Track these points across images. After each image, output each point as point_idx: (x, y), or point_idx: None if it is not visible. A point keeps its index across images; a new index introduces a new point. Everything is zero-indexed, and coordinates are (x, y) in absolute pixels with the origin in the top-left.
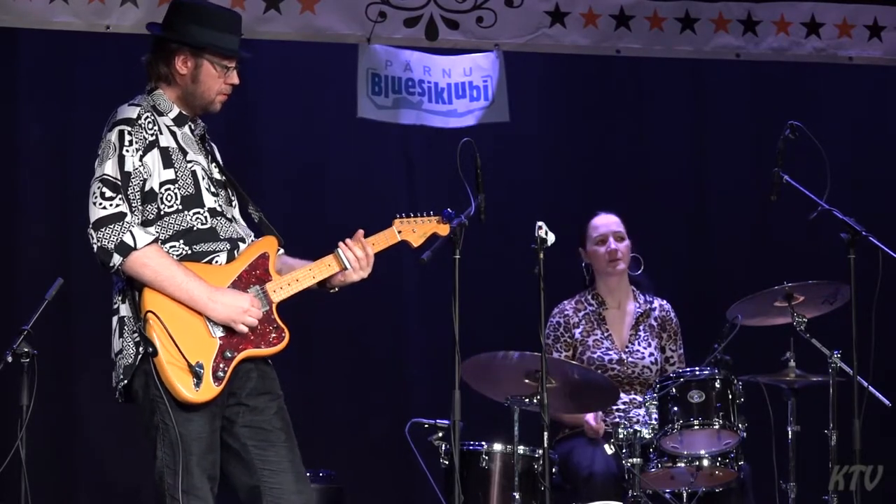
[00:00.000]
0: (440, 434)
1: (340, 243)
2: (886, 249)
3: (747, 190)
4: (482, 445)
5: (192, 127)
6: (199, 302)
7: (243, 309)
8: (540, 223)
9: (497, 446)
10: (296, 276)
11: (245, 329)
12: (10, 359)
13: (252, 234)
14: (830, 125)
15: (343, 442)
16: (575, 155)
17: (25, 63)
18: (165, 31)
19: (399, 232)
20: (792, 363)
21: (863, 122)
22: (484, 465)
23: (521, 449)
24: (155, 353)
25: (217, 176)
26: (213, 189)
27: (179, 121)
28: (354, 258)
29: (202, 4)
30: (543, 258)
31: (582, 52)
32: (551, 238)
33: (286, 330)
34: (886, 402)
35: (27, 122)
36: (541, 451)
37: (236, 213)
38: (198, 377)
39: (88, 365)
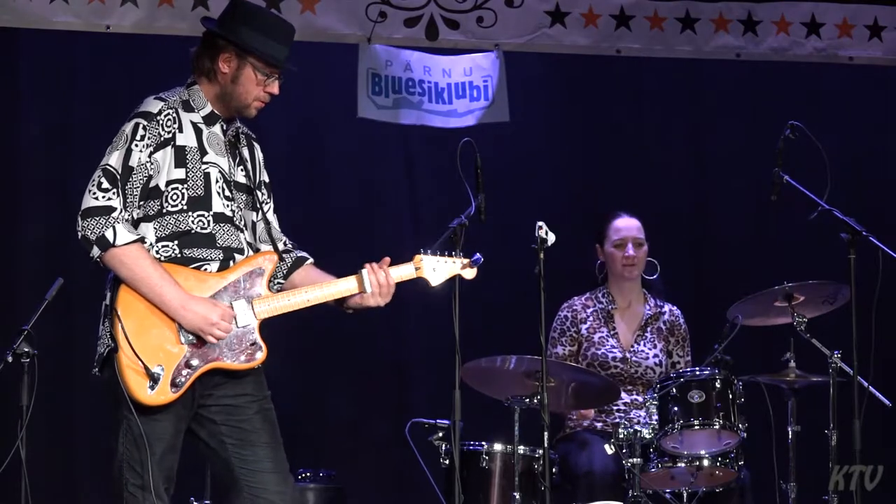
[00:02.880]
0: (440, 434)
1: (367, 265)
2: (886, 249)
3: (747, 190)
4: (482, 445)
5: (224, 127)
6: (171, 307)
7: (211, 321)
8: (540, 223)
9: (497, 446)
10: (287, 296)
11: (213, 340)
12: (10, 359)
13: (281, 240)
14: (830, 125)
15: (343, 442)
16: (575, 155)
17: (25, 63)
18: (218, 27)
19: (417, 269)
20: (792, 363)
21: (863, 122)
22: (484, 465)
23: (521, 449)
24: (115, 349)
25: (241, 180)
26: (227, 193)
27: (210, 119)
28: (377, 282)
29: (258, 9)
30: (543, 258)
31: (582, 52)
32: (551, 238)
33: (264, 348)
34: (886, 402)
35: (27, 121)
36: (541, 451)
37: (262, 218)
38: (154, 380)
39: (88, 365)
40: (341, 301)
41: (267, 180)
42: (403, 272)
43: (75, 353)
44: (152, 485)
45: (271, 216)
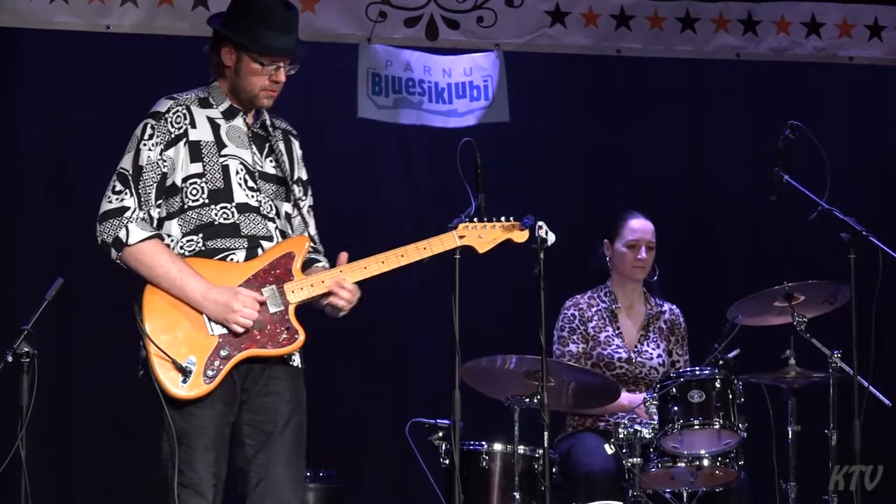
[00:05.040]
0: (440, 434)
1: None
2: (886, 249)
3: (747, 190)
4: (482, 445)
5: (248, 121)
6: (193, 298)
7: (232, 308)
8: (540, 223)
9: (497, 446)
10: (321, 278)
11: (238, 328)
12: (10, 359)
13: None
14: (830, 125)
15: (343, 442)
16: (575, 155)
17: (25, 63)
18: (221, 24)
19: (461, 237)
20: (792, 361)
21: (863, 122)
22: (484, 465)
23: (521, 449)
24: (145, 346)
25: (269, 170)
26: (251, 184)
27: (229, 113)
28: (344, 295)
29: (257, 1)
30: (543, 258)
31: (582, 52)
32: (551, 238)
33: (301, 331)
34: (886, 402)
35: (27, 121)
36: (541, 451)
37: (297, 211)
38: (185, 374)
39: (88, 365)
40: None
41: (305, 177)
42: (443, 243)
43: (75, 353)
44: (195, 481)
45: (307, 214)
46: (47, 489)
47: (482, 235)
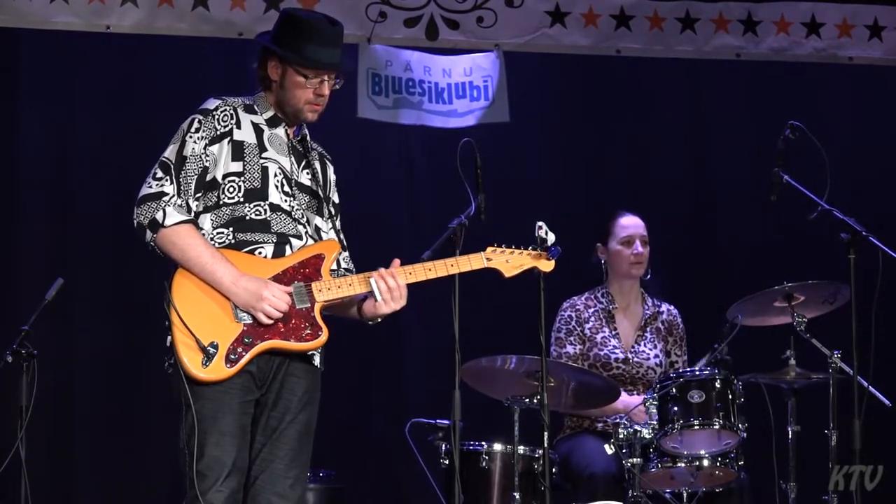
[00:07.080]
0: (440, 434)
1: (375, 273)
2: (886, 249)
3: (747, 190)
4: (482, 445)
5: (290, 133)
6: (223, 284)
7: (260, 296)
8: (540, 223)
9: (497, 446)
10: (349, 281)
11: (264, 318)
12: (10, 359)
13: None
14: (830, 125)
15: (343, 442)
16: (575, 155)
17: (25, 63)
18: (268, 39)
19: (488, 259)
20: (792, 361)
21: (863, 122)
22: (484, 465)
23: (521, 449)
24: (169, 328)
25: (305, 182)
26: (287, 189)
27: (273, 122)
28: (386, 288)
29: (300, 15)
30: None
31: (582, 52)
32: (551, 238)
33: (324, 329)
34: (886, 402)
35: (27, 121)
36: (541, 451)
37: (322, 223)
38: (208, 356)
39: (88, 365)
40: (361, 314)
41: (337, 201)
42: (470, 263)
43: (75, 353)
44: (208, 466)
45: (340, 234)
46: (47, 489)
47: (509, 260)
